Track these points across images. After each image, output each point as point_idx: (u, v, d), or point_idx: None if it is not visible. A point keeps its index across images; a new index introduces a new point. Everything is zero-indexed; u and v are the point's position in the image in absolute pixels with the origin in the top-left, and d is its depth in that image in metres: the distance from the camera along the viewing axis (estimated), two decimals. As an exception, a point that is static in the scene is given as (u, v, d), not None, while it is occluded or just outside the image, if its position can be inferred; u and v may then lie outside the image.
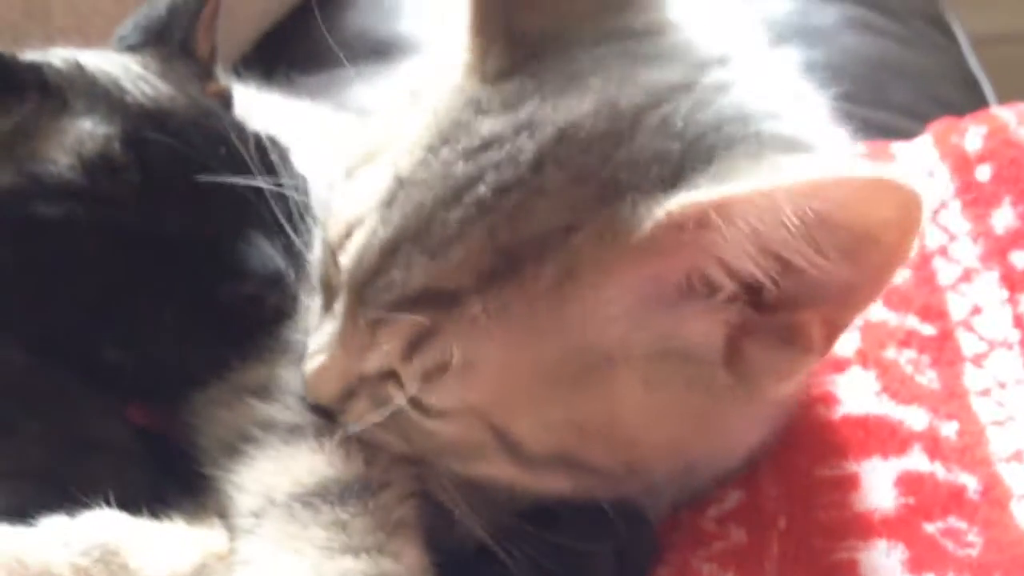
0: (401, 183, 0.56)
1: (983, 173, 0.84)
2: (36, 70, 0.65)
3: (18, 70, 0.65)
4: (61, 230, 0.62)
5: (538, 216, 0.53)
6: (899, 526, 0.62)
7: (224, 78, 0.80)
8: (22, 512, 0.56)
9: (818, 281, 0.51)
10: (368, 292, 0.56)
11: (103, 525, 0.56)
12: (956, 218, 0.83)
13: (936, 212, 0.84)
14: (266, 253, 0.66)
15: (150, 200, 0.64)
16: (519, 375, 0.55)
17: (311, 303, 0.68)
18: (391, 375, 0.58)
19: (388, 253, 0.55)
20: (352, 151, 0.62)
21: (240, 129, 0.70)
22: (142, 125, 0.65)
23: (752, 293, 0.54)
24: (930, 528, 0.62)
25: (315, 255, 0.65)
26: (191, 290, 0.65)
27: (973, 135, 0.86)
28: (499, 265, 0.53)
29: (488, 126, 0.55)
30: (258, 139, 0.70)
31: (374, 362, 0.58)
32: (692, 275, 0.53)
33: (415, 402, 0.57)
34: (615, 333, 0.54)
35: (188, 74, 0.73)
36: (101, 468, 0.61)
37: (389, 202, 0.56)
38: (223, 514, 0.61)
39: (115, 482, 0.59)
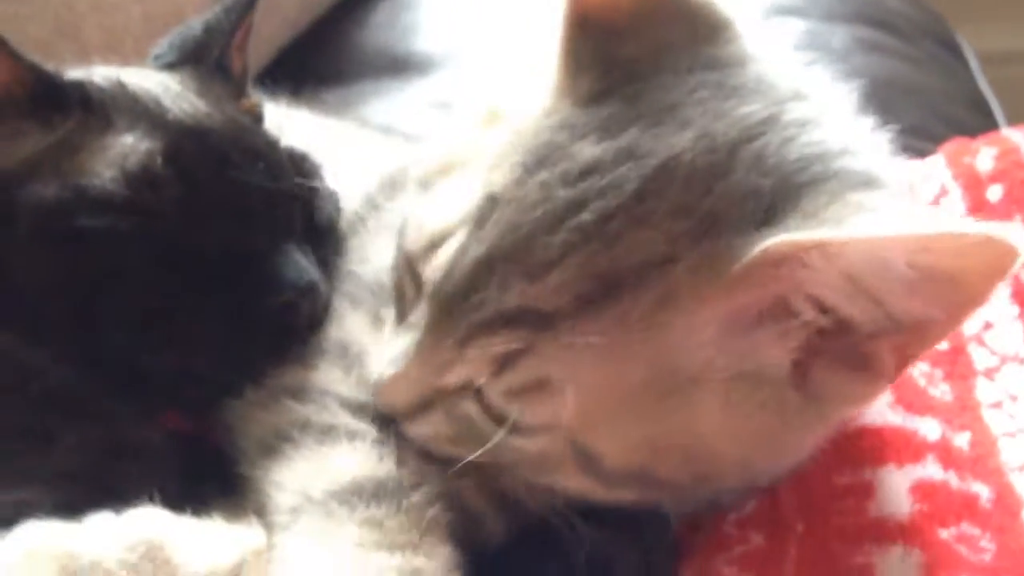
0: (495, 201, 0.57)
1: (994, 193, 0.85)
2: (80, 87, 0.67)
3: (62, 87, 0.66)
4: (104, 242, 0.63)
5: (639, 245, 0.54)
6: (914, 532, 0.63)
7: (254, 95, 0.81)
8: (65, 512, 0.57)
9: (899, 317, 0.54)
10: (458, 308, 0.57)
11: (147, 522, 0.57)
12: None
13: None
14: (301, 264, 0.68)
15: (190, 213, 0.65)
16: (606, 396, 0.56)
17: (351, 311, 0.70)
18: (471, 390, 0.59)
19: (482, 271, 0.56)
20: (431, 158, 0.63)
21: (274, 146, 0.71)
22: (182, 141, 0.66)
23: (828, 321, 0.55)
24: (944, 534, 0.63)
25: (387, 264, 0.65)
26: (229, 300, 0.66)
27: (984, 156, 0.87)
28: (597, 290, 0.54)
29: (588, 151, 0.56)
30: (291, 155, 0.72)
31: (456, 376, 0.59)
32: (776, 304, 0.55)
33: (498, 419, 0.58)
34: (701, 357, 0.55)
35: (224, 92, 0.74)
36: (138, 472, 0.63)
37: (481, 219, 0.57)
38: (260, 513, 0.63)
39: (151, 485, 0.60)
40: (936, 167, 0.89)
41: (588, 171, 0.55)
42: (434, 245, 0.59)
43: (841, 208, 0.54)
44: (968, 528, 0.64)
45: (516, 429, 0.58)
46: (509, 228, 0.56)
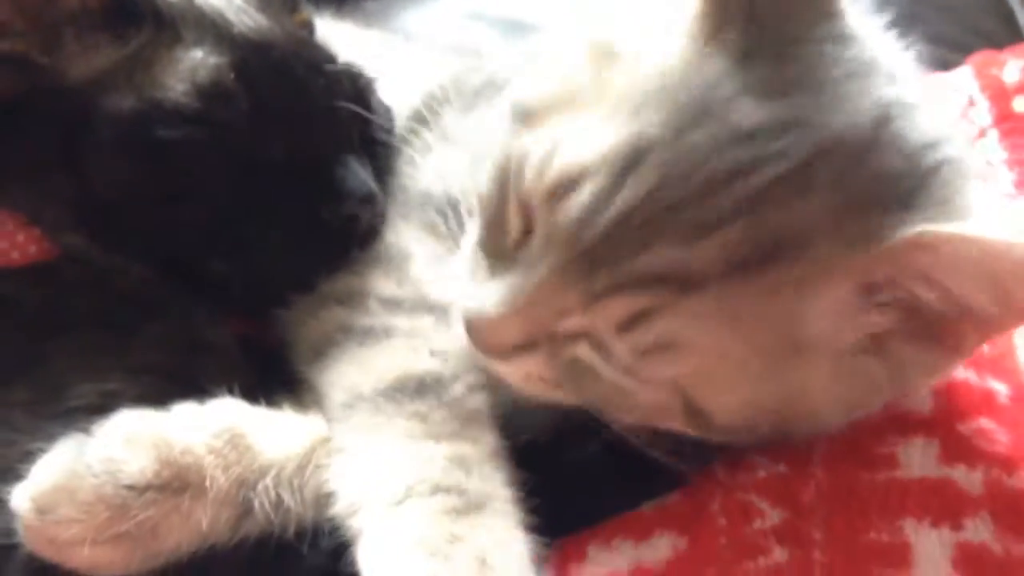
0: (644, 152, 0.54)
1: (1020, 104, 0.86)
2: (151, 2, 0.68)
3: (135, 2, 0.68)
4: (178, 152, 0.66)
5: (801, 214, 0.54)
6: (935, 425, 0.65)
7: (304, 8, 0.82)
8: (148, 403, 0.61)
9: (983, 313, 0.56)
10: (598, 258, 0.55)
11: (229, 412, 0.62)
12: (994, 146, 0.85)
13: (975, 140, 0.86)
14: (361, 176, 0.70)
15: (257, 126, 0.67)
16: (731, 358, 0.57)
17: (399, 220, 0.73)
18: (586, 336, 0.59)
19: (630, 225, 0.54)
20: (532, 88, 0.62)
21: (332, 60, 0.74)
22: (248, 56, 0.69)
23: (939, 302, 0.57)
24: (962, 427, 0.65)
25: (478, 190, 0.64)
26: (293, 209, 0.69)
27: (1012, 68, 0.88)
28: (752, 256, 0.54)
29: (750, 114, 0.54)
30: (348, 69, 0.74)
31: (576, 324, 0.58)
32: (896, 283, 0.56)
33: (617, 368, 0.58)
34: (828, 326, 0.57)
35: (280, 5, 0.76)
36: (213, 367, 0.67)
37: (626, 169, 0.55)
38: (319, 406, 0.66)
39: (225, 380, 0.64)
40: (964, 78, 0.91)
41: (753, 135, 0.54)
42: (562, 187, 0.56)
43: (964, 201, 0.56)
44: (985, 422, 0.66)
45: (633, 377, 0.59)
46: (665, 184, 0.54)
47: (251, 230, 0.69)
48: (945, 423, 0.66)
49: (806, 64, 0.56)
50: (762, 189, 0.54)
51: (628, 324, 0.56)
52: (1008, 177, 0.83)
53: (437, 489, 0.59)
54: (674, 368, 0.57)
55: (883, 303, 0.57)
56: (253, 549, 0.60)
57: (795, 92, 0.55)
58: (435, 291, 0.69)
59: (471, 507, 0.59)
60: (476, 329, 0.61)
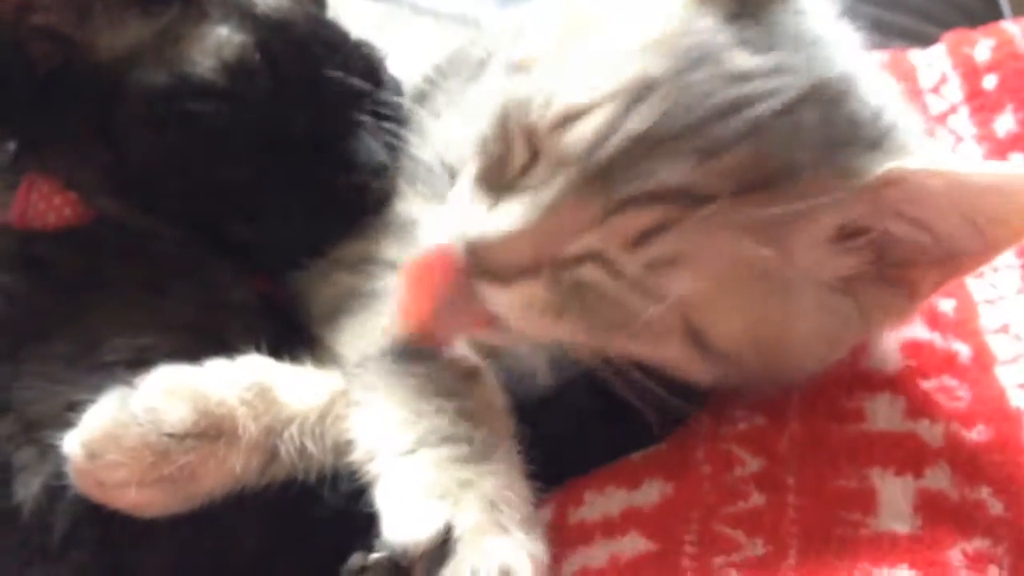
0: (654, 83, 0.58)
1: (990, 82, 0.89)
2: None
3: None
4: (205, 124, 0.70)
5: (798, 146, 0.59)
6: (900, 382, 0.69)
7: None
8: (179, 358, 0.65)
9: (947, 247, 0.61)
10: (611, 177, 0.58)
11: (258, 367, 0.65)
12: (964, 122, 0.88)
13: (946, 115, 0.89)
14: (372, 147, 0.74)
15: (278, 101, 0.71)
16: (730, 279, 0.60)
17: (406, 188, 0.76)
18: (591, 258, 0.61)
19: (643, 145, 0.58)
20: (529, 37, 0.66)
21: (346, 37, 0.77)
22: (270, 34, 0.72)
23: (886, 245, 0.62)
24: (926, 384, 0.69)
25: (449, 141, 0.69)
26: (309, 178, 0.72)
27: (983, 46, 0.91)
28: (757, 179, 0.58)
29: (743, 60, 0.60)
30: (359, 45, 0.78)
31: (585, 244, 0.60)
32: (869, 222, 0.61)
33: (626, 285, 0.60)
34: (813, 259, 0.61)
35: None
36: (238, 324, 0.71)
37: (639, 97, 0.58)
38: (334, 363, 0.70)
39: (249, 336, 0.68)
40: (937, 56, 0.94)
41: (748, 76, 0.59)
42: (571, 118, 0.59)
43: (928, 148, 0.61)
44: (948, 380, 0.70)
45: (639, 295, 0.61)
46: (672, 113, 0.58)
47: (271, 197, 0.72)
48: (910, 380, 0.69)
49: (784, 31, 0.62)
50: (760, 120, 0.58)
51: (641, 238, 0.59)
52: (977, 152, 0.86)
53: (446, 439, 0.63)
54: (681, 283, 0.60)
55: (857, 246, 0.62)
56: (279, 491, 0.64)
57: (777, 48, 0.61)
58: None
59: (478, 455, 0.63)
60: (482, 251, 0.61)
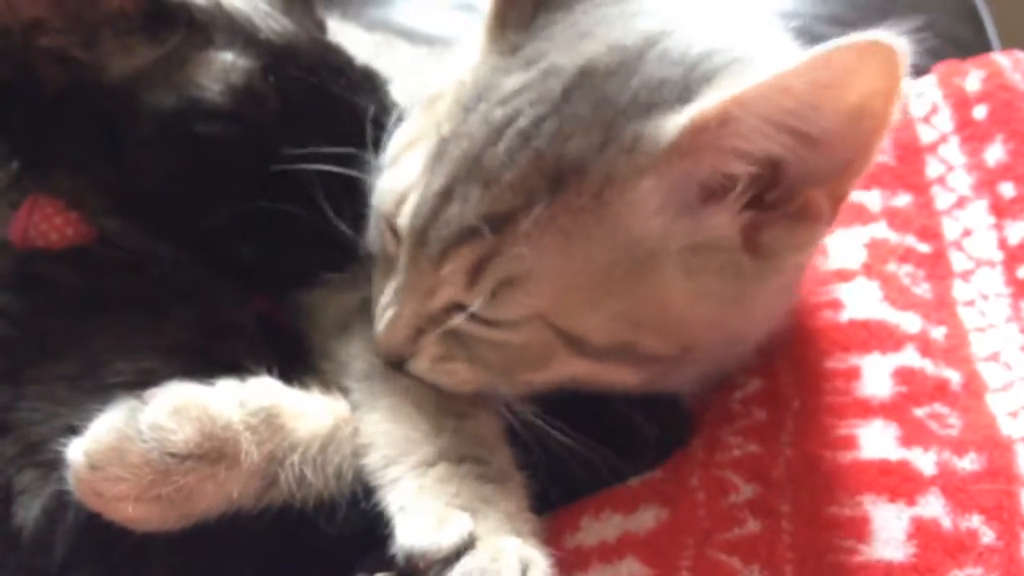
0: (446, 141, 0.63)
1: (980, 112, 0.90)
2: (184, 7, 0.73)
3: (169, 6, 0.72)
4: (214, 147, 0.71)
5: (574, 138, 0.60)
6: (893, 409, 0.69)
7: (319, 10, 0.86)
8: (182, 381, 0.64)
9: (818, 162, 0.59)
10: (430, 233, 0.63)
11: (265, 391, 0.65)
12: (954, 151, 0.90)
13: (936, 145, 0.90)
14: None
15: (286, 125, 0.72)
16: (575, 278, 0.62)
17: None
18: (457, 307, 0.64)
19: (444, 196, 0.62)
20: (395, 142, 0.69)
21: (351, 62, 0.78)
22: (277, 59, 0.73)
23: (762, 185, 0.61)
24: (918, 412, 0.69)
25: (370, 231, 0.71)
26: (316, 200, 0.72)
27: (973, 78, 0.93)
28: (545, 184, 0.60)
29: (515, 80, 0.63)
30: (364, 70, 0.78)
31: (440, 299, 0.65)
32: (712, 175, 0.60)
33: (484, 321, 0.64)
34: (653, 230, 0.61)
35: (301, 8, 0.80)
36: (241, 347, 0.71)
37: (437, 159, 0.63)
38: (338, 375, 0.72)
39: (253, 359, 0.68)
40: (928, 86, 0.95)
41: (518, 92, 0.62)
42: (403, 199, 0.65)
43: (744, 72, 0.59)
44: (939, 407, 0.70)
45: (502, 324, 0.64)
46: (462, 154, 0.62)
47: (278, 219, 0.72)
48: (903, 407, 0.70)
49: (569, 30, 0.64)
50: (528, 130, 0.61)
51: (473, 277, 0.62)
52: (967, 181, 0.88)
53: (465, 457, 0.64)
54: (528, 301, 0.62)
55: (726, 199, 0.61)
56: (278, 518, 0.64)
57: (553, 52, 0.63)
58: None
59: (495, 477, 0.64)
60: (378, 339, 0.68)
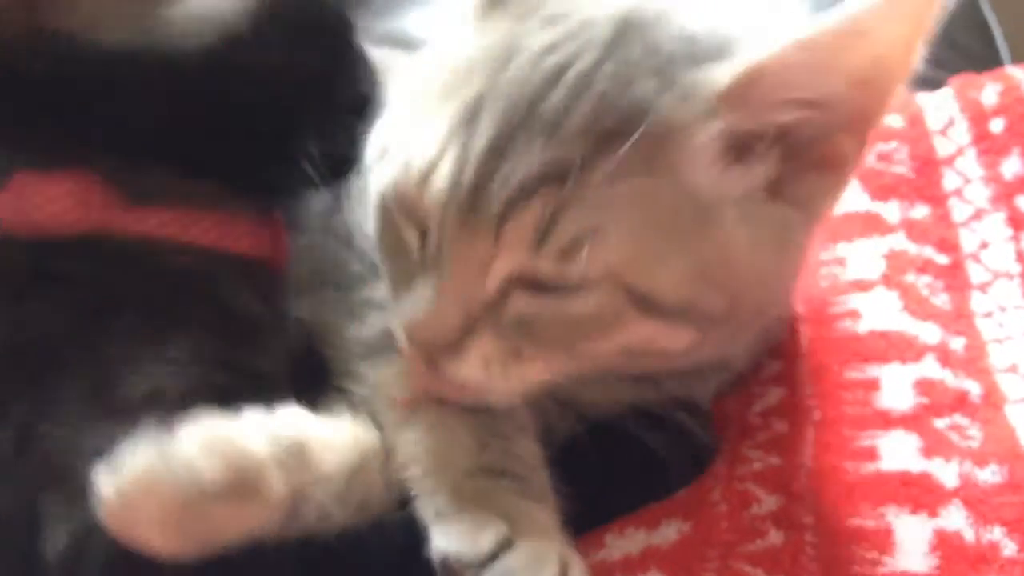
0: (478, 101, 0.59)
1: (996, 125, 0.90)
2: None
3: None
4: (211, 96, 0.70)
5: (634, 80, 0.59)
6: (914, 420, 0.69)
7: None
8: (198, 395, 0.64)
9: (843, 110, 0.59)
10: (483, 194, 0.59)
11: (294, 422, 0.64)
12: (971, 164, 0.90)
13: (953, 158, 0.91)
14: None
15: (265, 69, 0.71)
16: (645, 231, 0.59)
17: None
18: (519, 283, 0.61)
19: (495, 152, 0.58)
20: (375, 141, 0.67)
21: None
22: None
23: (789, 138, 0.60)
24: (939, 423, 0.69)
25: (371, 236, 0.68)
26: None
27: (990, 91, 0.93)
28: (610, 131, 0.58)
29: (551, 34, 0.60)
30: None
31: (501, 268, 0.60)
32: (760, 125, 0.60)
33: (552, 290, 0.60)
34: (711, 178, 0.60)
35: None
36: (258, 349, 0.70)
37: (472, 119, 0.59)
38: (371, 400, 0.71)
39: (271, 363, 0.68)
40: (945, 99, 0.95)
41: (562, 42, 0.60)
42: (429, 172, 0.60)
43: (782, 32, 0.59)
44: (959, 419, 0.70)
45: (571, 293, 0.60)
46: (509, 108, 0.59)
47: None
48: (923, 418, 0.70)
49: None
50: (590, 73, 0.59)
51: (540, 238, 0.59)
52: (984, 193, 0.88)
53: (505, 474, 0.64)
54: (600, 258, 0.59)
55: (761, 152, 0.61)
56: (303, 547, 0.63)
57: (580, 7, 0.62)
58: None
59: (533, 495, 0.64)
60: (419, 337, 0.63)
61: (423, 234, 0.63)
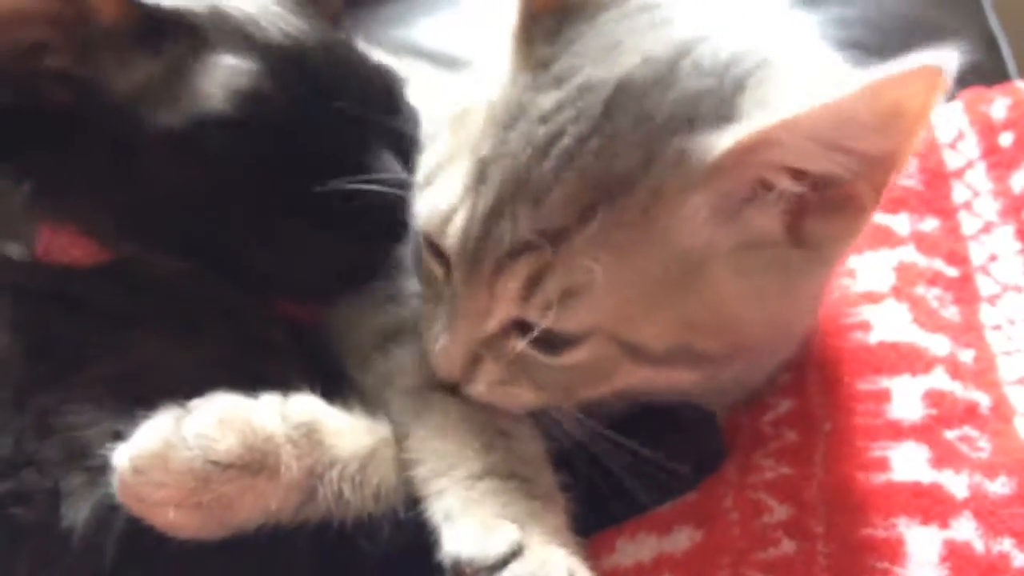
0: (486, 161, 0.63)
1: (1006, 139, 0.91)
2: (178, 14, 0.71)
3: (163, 16, 0.71)
4: (224, 157, 0.70)
5: (619, 156, 0.61)
6: (924, 432, 0.69)
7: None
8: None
9: (864, 156, 0.59)
10: (482, 252, 0.63)
11: (308, 406, 0.66)
12: (981, 177, 0.90)
13: (963, 171, 0.91)
14: (390, 162, 0.74)
15: (294, 127, 0.71)
16: (631, 289, 0.62)
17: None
18: (513, 328, 0.65)
19: (493, 215, 0.62)
20: (425, 163, 0.69)
21: (364, 60, 0.77)
22: (282, 61, 0.72)
23: (804, 183, 0.61)
24: (949, 434, 0.69)
25: (411, 252, 0.71)
26: (333, 201, 0.71)
27: (999, 105, 0.93)
28: (595, 201, 0.61)
29: (551, 97, 0.62)
30: (379, 68, 0.78)
31: (498, 316, 0.65)
32: (756, 183, 0.61)
33: (545, 341, 0.64)
34: (701, 238, 0.62)
35: (314, 6, 0.79)
36: (277, 363, 0.71)
37: (479, 181, 0.63)
38: (382, 383, 0.73)
39: (288, 374, 0.69)
40: (955, 112, 0.96)
41: (557, 109, 0.62)
42: (447, 221, 0.64)
43: (786, 86, 0.60)
44: (969, 430, 0.70)
45: (565, 343, 0.64)
46: (507, 174, 0.62)
47: (296, 224, 0.72)
48: (933, 430, 0.70)
49: (598, 41, 0.64)
50: (573, 149, 0.61)
51: (530, 290, 0.62)
52: (993, 207, 0.88)
53: (514, 475, 0.65)
54: (586, 313, 0.62)
55: (770, 201, 0.62)
56: (322, 533, 0.64)
57: (585, 66, 0.63)
58: None
59: (542, 496, 0.65)
60: (435, 366, 0.69)
61: (448, 270, 0.67)
